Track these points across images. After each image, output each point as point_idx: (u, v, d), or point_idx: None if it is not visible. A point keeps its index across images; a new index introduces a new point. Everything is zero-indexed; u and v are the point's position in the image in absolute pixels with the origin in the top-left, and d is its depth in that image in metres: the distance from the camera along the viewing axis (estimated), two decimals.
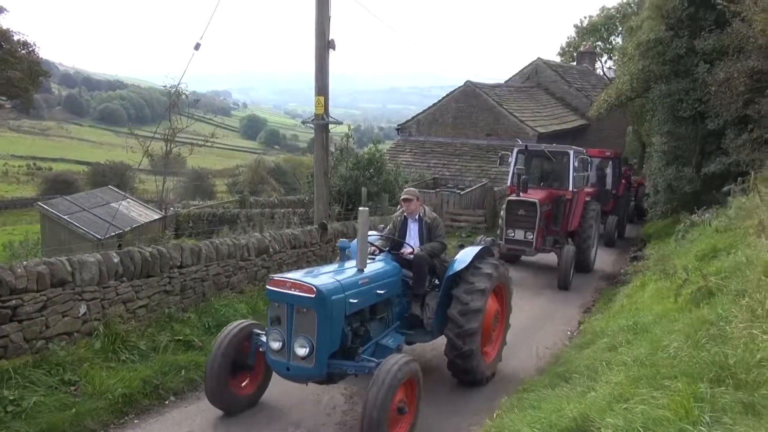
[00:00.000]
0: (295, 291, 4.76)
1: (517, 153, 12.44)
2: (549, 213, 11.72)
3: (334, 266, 5.55)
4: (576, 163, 11.81)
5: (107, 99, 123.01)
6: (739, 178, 11.03)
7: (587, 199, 12.91)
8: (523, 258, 12.76)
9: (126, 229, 16.61)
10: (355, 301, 5.04)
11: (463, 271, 6.03)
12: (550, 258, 12.61)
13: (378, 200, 14.02)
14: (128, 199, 19.85)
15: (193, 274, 7.28)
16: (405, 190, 6.61)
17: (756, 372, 3.50)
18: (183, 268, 7.15)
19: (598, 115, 19.58)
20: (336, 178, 15.06)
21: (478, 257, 6.22)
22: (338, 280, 5.00)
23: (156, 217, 18.82)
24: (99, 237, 15.07)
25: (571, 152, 11.90)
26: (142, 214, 18.84)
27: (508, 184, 12.44)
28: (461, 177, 21.34)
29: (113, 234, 15.23)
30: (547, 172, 12.94)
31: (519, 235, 11.24)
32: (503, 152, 13.07)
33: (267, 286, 4.95)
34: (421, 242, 6.32)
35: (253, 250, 8.27)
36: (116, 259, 6.33)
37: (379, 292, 5.43)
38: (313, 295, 4.68)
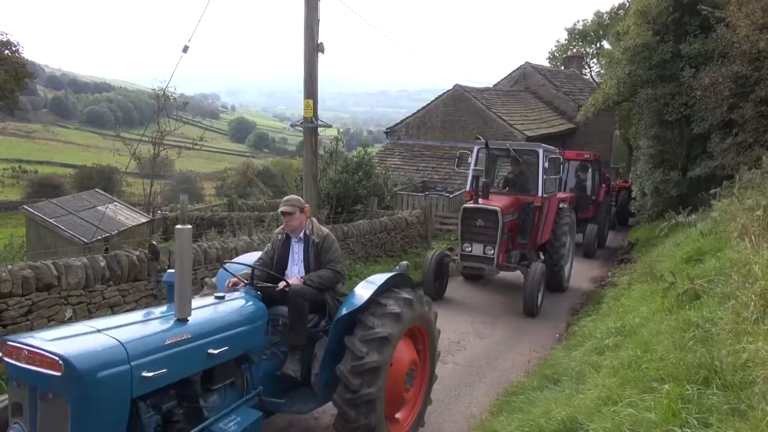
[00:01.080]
0: (34, 366, 2.91)
1: (477, 152, 10.58)
2: (514, 223, 10.06)
3: (138, 315, 3.72)
4: (546, 164, 10.08)
5: (94, 101, 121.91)
6: (724, 182, 11.18)
7: (561, 206, 11.27)
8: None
9: (113, 233, 16.45)
10: (154, 373, 3.17)
11: (362, 310, 4.32)
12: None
13: (368, 203, 14.02)
14: (115, 203, 19.70)
15: None
16: (284, 199, 4.88)
17: (742, 374, 3.54)
18: None
19: (585, 119, 19.74)
20: (325, 181, 15.05)
21: (385, 289, 4.52)
22: (120, 342, 3.10)
23: (143, 220, 18.67)
24: (85, 240, 14.94)
25: (541, 151, 10.14)
26: (129, 217, 18.69)
27: (467, 188, 10.53)
28: (450, 180, 21.40)
29: (100, 237, 15.09)
30: (513, 174, 11.08)
31: (477, 250, 9.47)
32: (462, 150, 11.23)
33: (1, 355, 3.09)
34: (307, 269, 4.76)
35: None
36: (103, 263, 6.27)
37: (211, 352, 3.63)
38: (59, 373, 2.84)
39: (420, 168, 22.77)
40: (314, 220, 4.98)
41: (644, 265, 9.82)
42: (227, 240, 8.68)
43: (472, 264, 9.63)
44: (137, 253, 6.82)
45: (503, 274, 10.90)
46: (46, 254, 11.61)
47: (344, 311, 4.31)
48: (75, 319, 5.90)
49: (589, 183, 16.15)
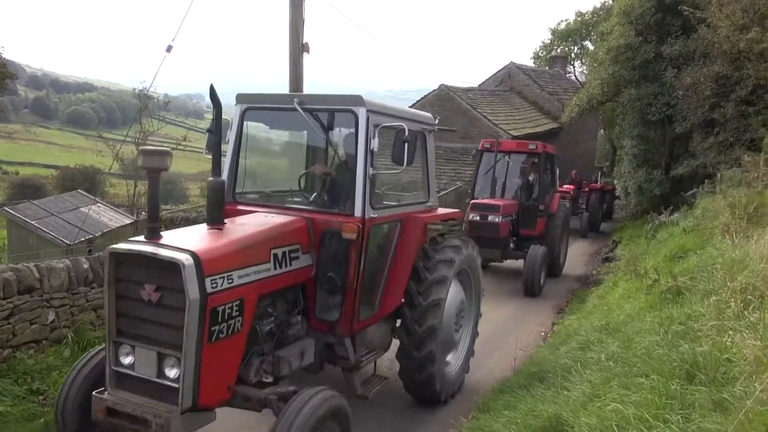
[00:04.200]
0: None
1: (242, 113, 5.16)
2: (303, 278, 4.60)
3: None
4: (374, 144, 4.67)
5: (76, 101, 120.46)
6: (706, 180, 11.35)
7: (438, 233, 5.91)
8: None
9: (96, 234, 16.32)
10: None
11: None
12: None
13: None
14: (98, 204, 19.51)
15: None
16: None
17: (724, 369, 3.59)
18: None
19: (570, 119, 19.90)
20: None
21: None
22: None
23: (127, 221, 18.51)
24: (68, 242, 14.79)
25: (361, 112, 4.66)
26: (112, 218, 18.53)
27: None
28: (436, 179, 21.46)
29: (83, 239, 14.95)
30: (333, 167, 5.43)
31: (145, 365, 3.71)
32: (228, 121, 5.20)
33: None
34: None
35: None
36: (86, 265, 6.20)
37: None
38: None
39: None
40: None
41: (628, 263, 9.93)
42: None
43: (125, 406, 3.63)
44: None
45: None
46: (28, 256, 11.46)
47: None
48: (58, 322, 5.83)
49: (537, 187, 11.59)
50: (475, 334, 6.23)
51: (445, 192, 18.82)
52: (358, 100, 4.73)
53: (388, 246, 5.13)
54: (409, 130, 4.59)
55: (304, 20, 9.40)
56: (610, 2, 30.86)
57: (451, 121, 23.05)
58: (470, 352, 6.12)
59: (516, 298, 9.85)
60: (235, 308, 3.79)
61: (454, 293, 5.58)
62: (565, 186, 17.45)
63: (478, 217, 7.98)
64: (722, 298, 4.72)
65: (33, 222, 16.14)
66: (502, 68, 29.59)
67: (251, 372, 4.18)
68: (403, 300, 5.20)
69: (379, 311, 5.05)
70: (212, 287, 3.59)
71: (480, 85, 29.09)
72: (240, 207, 4.95)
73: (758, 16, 11.79)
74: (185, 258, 3.51)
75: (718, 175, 10.95)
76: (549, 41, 37.54)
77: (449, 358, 5.79)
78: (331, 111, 4.92)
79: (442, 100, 23.26)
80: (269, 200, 5.42)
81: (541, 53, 37.74)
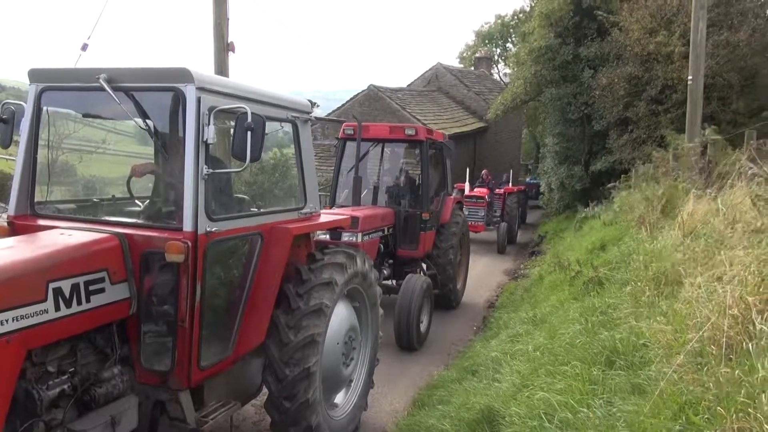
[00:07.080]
0: None
1: (37, 98, 4.26)
2: None
3: None
4: (208, 133, 3.49)
5: None
6: (622, 176, 11.99)
7: (322, 247, 4.61)
8: None
9: None
10: None
11: None
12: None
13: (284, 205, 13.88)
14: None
15: None
16: None
17: (640, 354, 3.81)
18: None
19: (495, 117, 20.45)
20: (240, 183, 14.72)
21: None
22: None
23: None
24: None
25: (189, 91, 3.46)
26: None
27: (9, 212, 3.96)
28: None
29: None
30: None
31: None
32: None
33: None
34: None
35: None
36: None
37: None
38: None
39: None
40: None
41: (553, 257, 10.33)
42: None
43: None
44: None
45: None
46: None
47: None
48: None
49: (421, 189, 8.60)
50: (374, 362, 5.14)
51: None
52: (184, 74, 3.46)
53: (245, 266, 3.99)
54: (254, 114, 3.42)
55: (228, 19, 9.19)
56: (528, 7, 32.07)
57: (381, 121, 23.18)
58: (368, 385, 5.04)
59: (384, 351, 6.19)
60: None
61: (341, 319, 4.50)
62: (477, 189, 15.63)
63: (328, 236, 5.63)
64: (638, 287, 5.00)
65: None
66: (430, 69, 30.07)
67: None
68: (268, 335, 3.99)
69: (234, 352, 3.87)
70: None
71: (409, 86, 29.44)
72: (41, 222, 3.80)
73: (665, 21, 12.59)
74: None
75: (632, 170, 11.60)
76: (473, 43, 38.58)
77: (338, 398, 4.74)
78: (150, 90, 3.67)
79: (372, 100, 23.35)
80: (83, 212, 4.28)
81: (466, 54, 38.70)
